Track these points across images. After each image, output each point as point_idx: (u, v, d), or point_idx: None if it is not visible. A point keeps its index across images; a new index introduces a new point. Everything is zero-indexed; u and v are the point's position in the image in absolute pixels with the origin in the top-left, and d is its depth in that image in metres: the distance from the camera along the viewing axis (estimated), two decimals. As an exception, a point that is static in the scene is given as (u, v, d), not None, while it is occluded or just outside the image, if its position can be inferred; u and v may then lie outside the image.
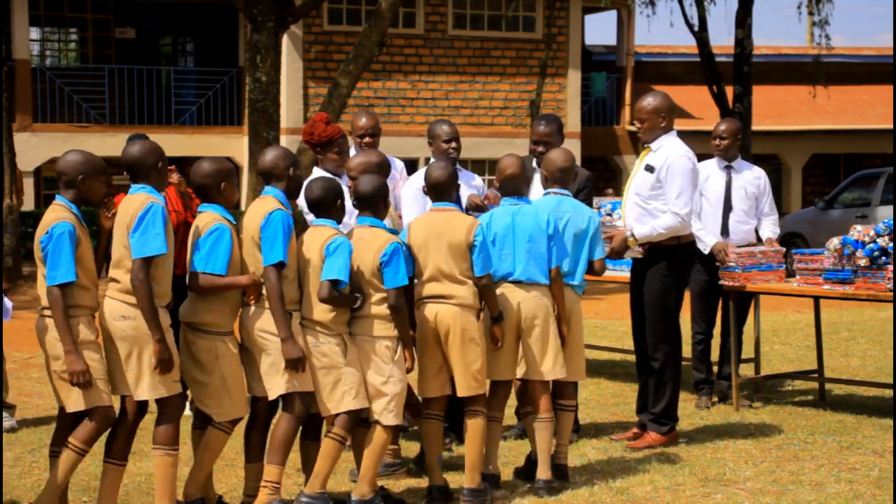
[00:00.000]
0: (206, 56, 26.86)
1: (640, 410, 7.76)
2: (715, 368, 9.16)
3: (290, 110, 23.10)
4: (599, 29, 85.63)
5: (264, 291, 5.84)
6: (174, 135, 22.84)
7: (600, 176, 26.96)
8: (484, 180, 7.29)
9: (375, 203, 6.19)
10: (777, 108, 28.53)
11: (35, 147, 22.57)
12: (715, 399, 8.93)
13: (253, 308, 5.90)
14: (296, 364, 5.81)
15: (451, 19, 25.23)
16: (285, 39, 20.23)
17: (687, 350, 8.82)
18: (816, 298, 9.00)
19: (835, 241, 8.23)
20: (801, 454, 7.32)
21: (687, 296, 8.25)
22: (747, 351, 9.61)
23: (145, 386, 5.66)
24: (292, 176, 6.05)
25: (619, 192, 18.21)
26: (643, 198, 7.54)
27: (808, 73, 25.82)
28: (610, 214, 9.43)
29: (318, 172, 7.41)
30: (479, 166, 23.69)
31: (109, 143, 21.51)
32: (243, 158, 23.00)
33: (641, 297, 7.59)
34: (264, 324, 5.86)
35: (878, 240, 8.03)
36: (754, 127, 24.24)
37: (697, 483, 6.66)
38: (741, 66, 22.95)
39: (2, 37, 19.29)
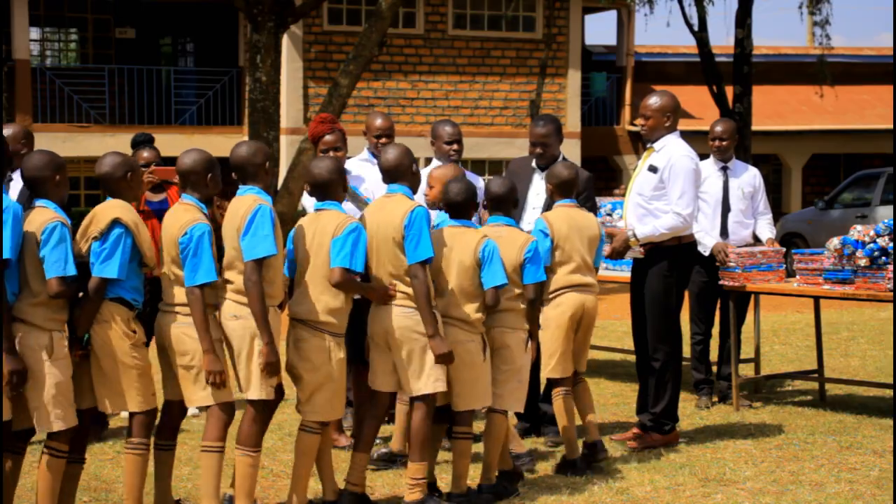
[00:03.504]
0: (206, 56, 26.86)
1: (640, 410, 7.76)
2: (714, 368, 9.17)
3: (290, 110, 23.09)
4: (599, 29, 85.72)
5: (406, 290, 5.97)
6: (174, 135, 22.84)
7: (600, 176, 26.95)
8: (484, 181, 7.33)
9: (508, 203, 6.57)
10: (777, 108, 28.52)
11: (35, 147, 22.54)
12: (715, 399, 8.93)
13: (384, 306, 6.02)
14: (447, 359, 5.98)
15: (451, 19, 25.22)
16: (285, 39, 20.23)
17: (687, 350, 8.83)
18: (816, 298, 9.00)
19: (835, 241, 8.23)
20: (801, 454, 7.33)
21: (686, 296, 8.25)
22: (747, 351, 9.61)
23: (255, 386, 5.72)
24: (415, 172, 6.21)
25: (619, 193, 18.18)
26: (645, 198, 7.54)
27: (808, 73, 25.82)
28: (610, 214, 9.45)
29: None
30: (479, 166, 23.70)
31: (109, 144, 21.51)
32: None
33: (642, 297, 7.59)
34: (405, 321, 5.98)
35: (878, 240, 8.03)
36: (754, 127, 24.24)
37: (697, 483, 6.66)
38: (741, 66, 22.95)
39: (2, 37, 19.30)
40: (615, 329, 13.27)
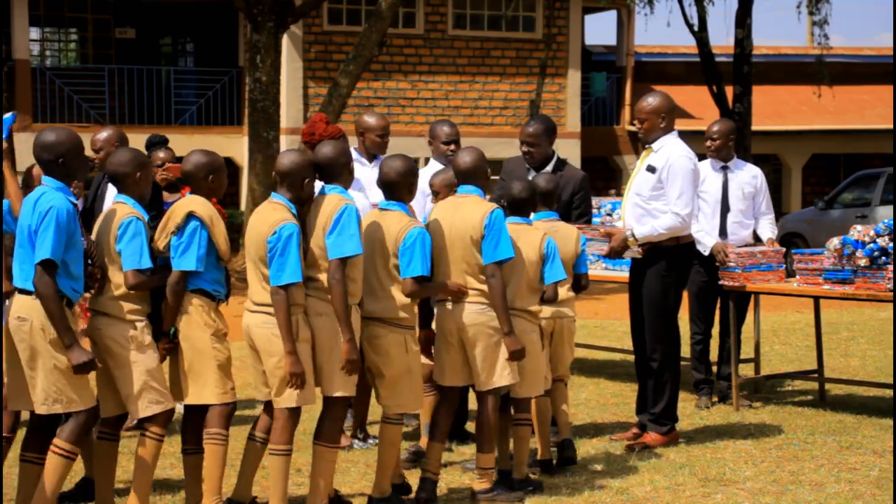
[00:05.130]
0: (206, 56, 26.86)
1: (639, 411, 7.76)
2: (714, 368, 9.16)
3: (290, 110, 23.10)
4: (599, 29, 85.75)
5: (479, 287, 6.17)
6: (174, 135, 22.75)
7: (600, 176, 26.96)
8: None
9: (554, 198, 6.96)
10: (777, 108, 28.53)
11: (35, 147, 22.52)
12: (715, 399, 8.93)
13: (456, 304, 6.21)
14: (520, 355, 6.22)
15: (451, 19, 25.22)
16: (285, 39, 20.24)
17: (686, 350, 8.82)
18: (816, 298, 8.99)
19: (835, 241, 8.22)
20: (801, 454, 7.32)
21: (685, 296, 8.24)
22: (747, 351, 9.61)
23: (338, 383, 5.85)
24: (489, 176, 6.46)
25: (620, 193, 18.15)
26: (644, 198, 7.53)
27: (807, 73, 25.82)
28: (610, 214, 9.45)
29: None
30: (478, 166, 23.69)
31: (109, 143, 21.49)
32: (243, 159, 23.01)
33: (640, 297, 7.59)
34: (479, 318, 6.19)
35: (877, 240, 8.03)
36: (754, 127, 24.24)
37: (697, 483, 6.66)
38: (741, 66, 22.96)
39: (2, 37, 19.29)
40: (615, 329, 13.27)
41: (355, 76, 17.01)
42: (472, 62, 25.31)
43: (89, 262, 5.74)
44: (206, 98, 24.67)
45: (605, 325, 13.80)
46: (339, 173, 5.98)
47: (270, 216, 5.79)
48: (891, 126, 26.69)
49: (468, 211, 6.21)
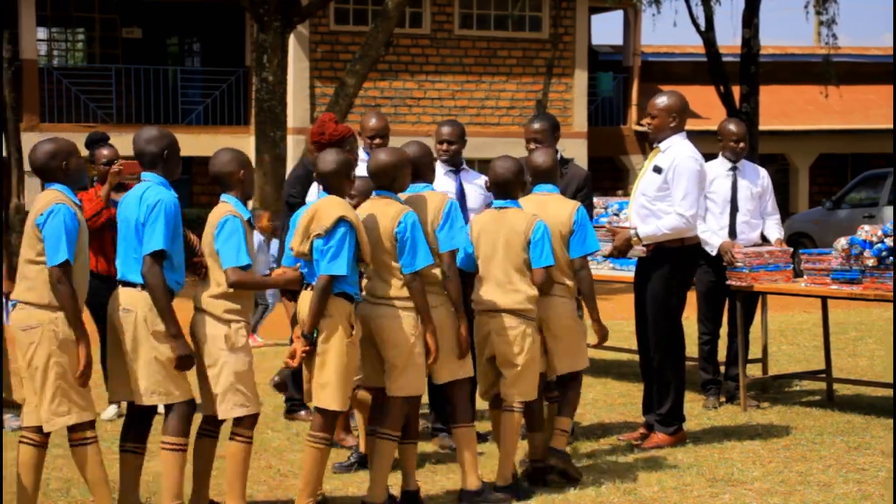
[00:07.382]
0: (212, 56, 26.88)
1: (646, 411, 7.75)
2: (722, 369, 9.14)
3: (296, 110, 23.10)
4: (606, 29, 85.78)
5: (564, 282, 6.58)
6: (181, 134, 22.59)
7: (606, 176, 26.95)
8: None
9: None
10: (784, 108, 28.49)
11: (42, 147, 22.55)
12: (722, 399, 8.91)
13: (541, 297, 6.47)
14: (606, 339, 6.72)
15: (457, 19, 25.22)
16: (292, 39, 20.26)
17: (693, 350, 8.80)
18: (824, 298, 8.97)
19: (842, 241, 8.20)
20: (809, 454, 7.31)
21: (694, 296, 8.21)
22: (755, 351, 9.59)
23: (447, 370, 6.11)
24: (560, 174, 6.90)
25: (627, 193, 18.12)
26: (649, 198, 7.52)
27: (815, 72, 25.79)
28: (617, 214, 9.44)
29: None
30: (485, 166, 23.60)
31: (116, 143, 21.50)
32: (250, 158, 23.01)
33: (645, 298, 7.57)
34: (565, 310, 6.61)
35: (885, 240, 8.01)
36: (761, 127, 24.22)
37: (705, 483, 6.65)
38: (748, 66, 22.94)
39: (9, 37, 19.31)
40: (622, 329, 13.23)
41: (362, 76, 17.01)
42: (478, 62, 25.30)
43: (195, 252, 5.86)
44: (213, 98, 24.69)
45: (612, 325, 13.67)
46: (426, 172, 6.25)
47: (387, 210, 5.96)
48: (897, 126, 26.65)
49: (556, 208, 6.59)
